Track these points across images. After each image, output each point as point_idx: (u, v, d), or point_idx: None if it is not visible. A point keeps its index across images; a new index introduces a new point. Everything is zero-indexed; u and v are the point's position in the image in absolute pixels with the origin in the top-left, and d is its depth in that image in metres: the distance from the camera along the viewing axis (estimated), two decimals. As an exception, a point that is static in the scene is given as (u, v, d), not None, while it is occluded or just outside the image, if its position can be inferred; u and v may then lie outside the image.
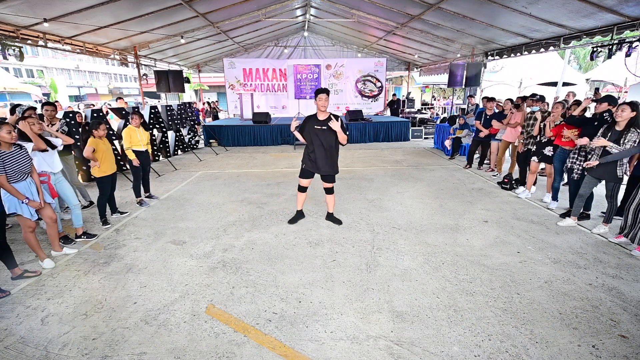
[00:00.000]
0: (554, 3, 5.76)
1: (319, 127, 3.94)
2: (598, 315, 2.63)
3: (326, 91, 3.82)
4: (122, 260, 3.56)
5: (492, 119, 6.69)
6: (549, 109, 6.14)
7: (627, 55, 6.08)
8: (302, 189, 4.37)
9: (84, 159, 6.09)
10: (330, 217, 4.53)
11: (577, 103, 4.40)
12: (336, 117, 3.94)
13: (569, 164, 4.43)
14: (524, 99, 6.34)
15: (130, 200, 5.46)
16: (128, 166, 5.13)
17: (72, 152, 5.03)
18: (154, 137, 8.35)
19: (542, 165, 6.69)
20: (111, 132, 6.68)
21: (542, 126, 5.05)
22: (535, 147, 5.23)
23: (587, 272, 3.23)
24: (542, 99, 5.85)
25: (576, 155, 4.36)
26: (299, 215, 4.55)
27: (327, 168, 4.09)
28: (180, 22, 8.30)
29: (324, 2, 9.72)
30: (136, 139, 5.05)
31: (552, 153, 4.90)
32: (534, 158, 5.20)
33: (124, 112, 7.59)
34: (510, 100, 6.42)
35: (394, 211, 4.83)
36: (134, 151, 5.02)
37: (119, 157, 6.94)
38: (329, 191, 4.35)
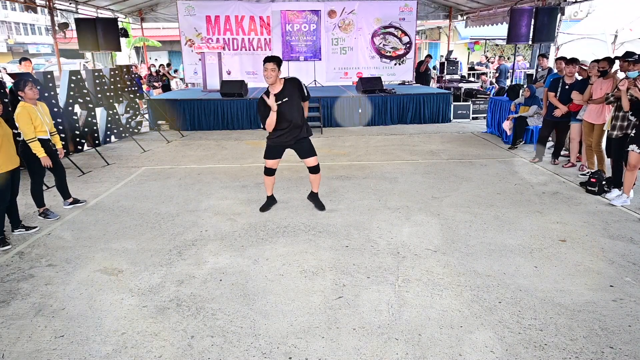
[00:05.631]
0: None
1: (279, 102, 4.72)
2: None
3: (275, 59, 4.60)
4: (28, 297, 3.55)
5: (572, 90, 6.69)
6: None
7: None
8: (269, 172, 5.19)
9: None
10: (313, 197, 5.37)
11: None
12: (293, 79, 4.91)
13: None
14: (611, 61, 6.31)
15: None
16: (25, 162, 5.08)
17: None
18: (75, 117, 8.32)
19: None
20: (11, 110, 6.68)
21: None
22: (635, 131, 5.23)
23: None
24: None
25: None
26: (271, 201, 5.43)
27: (299, 134, 4.97)
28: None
29: None
30: (39, 122, 5.00)
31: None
32: (633, 147, 5.20)
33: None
34: (598, 62, 6.41)
35: (428, 225, 4.84)
36: (40, 140, 4.98)
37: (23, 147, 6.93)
38: (314, 170, 5.15)
